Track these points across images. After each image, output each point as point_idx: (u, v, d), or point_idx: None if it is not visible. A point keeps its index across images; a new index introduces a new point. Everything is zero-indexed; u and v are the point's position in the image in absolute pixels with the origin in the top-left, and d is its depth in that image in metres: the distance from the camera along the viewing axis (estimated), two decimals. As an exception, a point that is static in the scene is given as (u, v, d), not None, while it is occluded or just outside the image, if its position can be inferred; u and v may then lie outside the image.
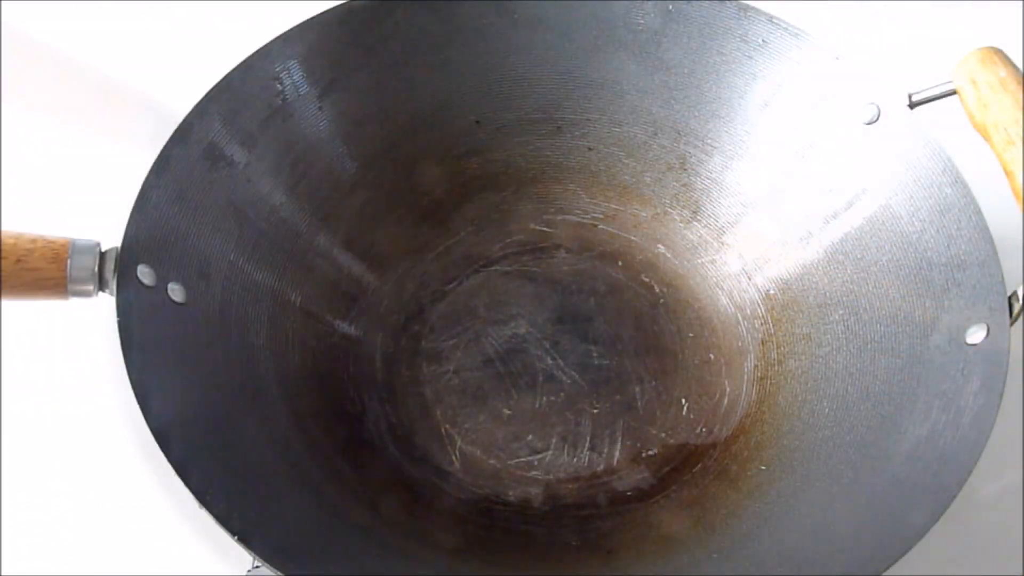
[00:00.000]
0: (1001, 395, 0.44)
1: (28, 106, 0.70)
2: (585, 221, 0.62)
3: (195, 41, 0.73)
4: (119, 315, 0.44)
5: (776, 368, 0.55)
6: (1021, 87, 0.47)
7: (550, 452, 0.55)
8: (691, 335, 0.59)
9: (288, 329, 0.54)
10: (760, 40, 0.56)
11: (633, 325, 0.59)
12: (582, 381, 0.57)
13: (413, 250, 0.60)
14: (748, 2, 0.56)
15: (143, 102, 0.69)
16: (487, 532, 0.51)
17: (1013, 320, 0.46)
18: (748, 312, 0.58)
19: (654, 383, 0.57)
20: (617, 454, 0.55)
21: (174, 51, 0.72)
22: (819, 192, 0.55)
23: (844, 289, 0.54)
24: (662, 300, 0.60)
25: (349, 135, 0.57)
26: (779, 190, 0.57)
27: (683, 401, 0.56)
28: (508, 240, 0.62)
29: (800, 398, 0.53)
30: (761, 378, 0.55)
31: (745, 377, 0.56)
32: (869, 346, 0.51)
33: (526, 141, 0.61)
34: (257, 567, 0.50)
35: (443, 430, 0.55)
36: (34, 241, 0.45)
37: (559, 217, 0.62)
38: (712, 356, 0.58)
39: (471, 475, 0.54)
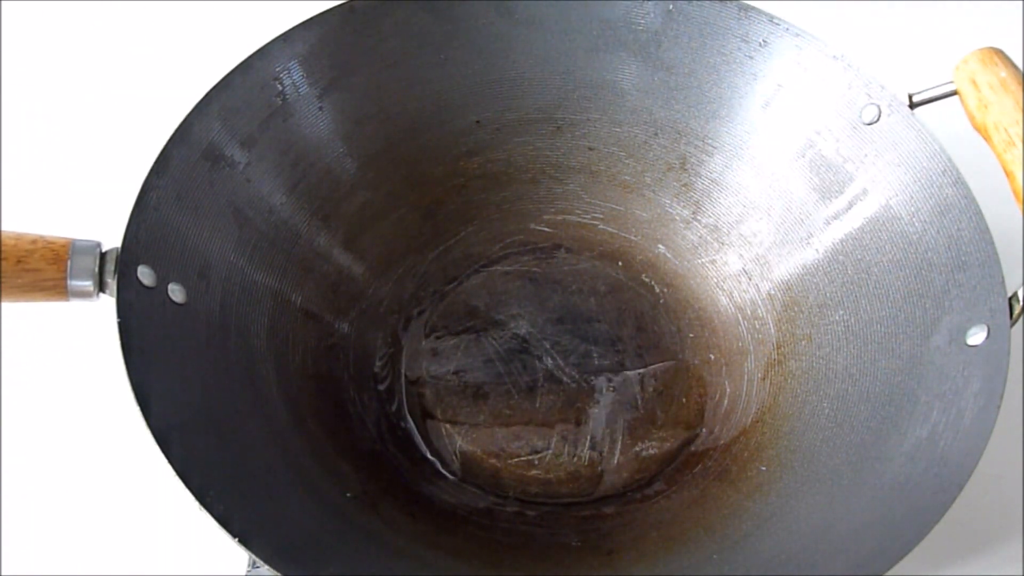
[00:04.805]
0: (1001, 396, 0.44)
1: (28, 106, 0.70)
2: (585, 221, 0.62)
3: (195, 41, 0.73)
4: (119, 316, 0.44)
5: (776, 369, 0.55)
6: (1021, 88, 0.47)
7: (550, 452, 0.55)
8: (691, 335, 0.59)
9: (288, 329, 0.54)
10: (760, 40, 0.56)
11: (633, 325, 0.59)
12: (582, 381, 0.57)
13: (413, 250, 0.60)
14: (748, 2, 0.56)
15: (143, 102, 0.69)
16: (487, 532, 0.51)
17: (1013, 321, 0.46)
18: (748, 312, 0.58)
19: (654, 383, 0.57)
20: (617, 454, 0.55)
21: (174, 51, 0.72)
22: (819, 192, 0.55)
23: (844, 290, 0.54)
24: (662, 300, 0.60)
25: (349, 135, 0.57)
26: (779, 190, 0.57)
27: (683, 401, 0.56)
28: (508, 240, 0.62)
29: (801, 399, 0.53)
30: (762, 378, 0.55)
31: (745, 377, 0.56)
32: (869, 347, 0.51)
33: (526, 141, 0.61)
34: (257, 567, 0.50)
35: (443, 430, 0.55)
36: (34, 242, 0.45)
37: (559, 217, 0.62)
38: (712, 356, 0.58)
39: (471, 475, 0.54)
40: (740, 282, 0.58)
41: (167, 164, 0.49)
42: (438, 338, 0.58)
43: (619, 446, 0.55)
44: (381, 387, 0.56)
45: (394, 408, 0.56)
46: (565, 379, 0.57)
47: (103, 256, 0.46)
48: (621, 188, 0.61)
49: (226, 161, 0.52)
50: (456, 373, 0.57)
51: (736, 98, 0.57)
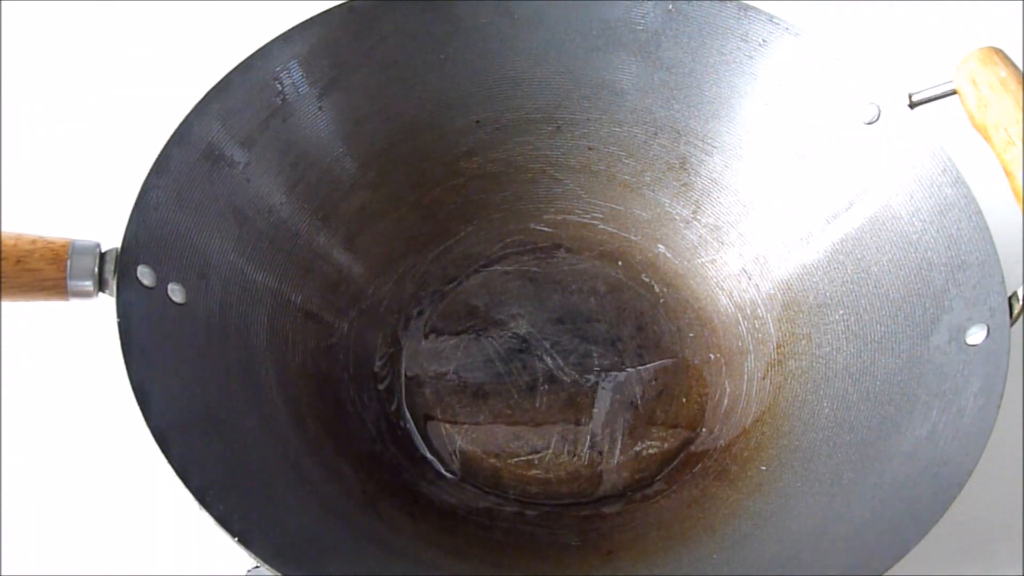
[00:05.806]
0: (1001, 396, 0.44)
1: (28, 106, 0.70)
2: (585, 221, 0.62)
3: (195, 41, 0.73)
4: (119, 316, 0.44)
5: (776, 368, 0.55)
6: (1021, 87, 0.47)
7: (550, 451, 0.55)
8: (691, 335, 0.59)
9: (288, 329, 0.54)
10: (760, 40, 0.56)
11: (633, 325, 0.59)
12: (582, 381, 0.57)
13: (413, 250, 0.60)
14: (748, 2, 0.56)
15: (143, 102, 0.69)
16: (487, 532, 0.51)
17: (1013, 321, 0.46)
18: (748, 312, 0.58)
19: (654, 383, 0.57)
20: (617, 454, 0.55)
21: (174, 51, 0.72)
22: (819, 192, 0.55)
23: (844, 289, 0.54)
24: (662, 300, 0.60)
25: (349, 135, 0.57)
26: (779, 190, 0.57)
27: (683, 401, 0.56)
28: (508, 240, 0.61)
29: (800, 398, 0.53)
30: (762, 378, 0.55)
31: (745, 377, 0.56)
32: (869, 346, 0.51)
33: (526, 141, 0.61)
34: (257, 567, 0.50)
35: (443, 430, 0.55)
36: (34, 242, 0.45)
37: (559, 217, 0.62)
38: (712, 356, 0.58)
39: (471, 475, 0.54)
40: (740, 282, 0.58)
41: (167, 164, 0.49)
42: (438, 338, 0.58)
43: (619, 446, 0.55)
44: (381, 387, 0.56)
45: (394, 408, 0.56)
46: (565, 379, 0.57)
47: (103, 256, 0.46)
48: (621, 188, 0.61)
49: (226, 161, 0.52)
50: (456, 373, 0.57)
51: (736, 98, 0.57)
